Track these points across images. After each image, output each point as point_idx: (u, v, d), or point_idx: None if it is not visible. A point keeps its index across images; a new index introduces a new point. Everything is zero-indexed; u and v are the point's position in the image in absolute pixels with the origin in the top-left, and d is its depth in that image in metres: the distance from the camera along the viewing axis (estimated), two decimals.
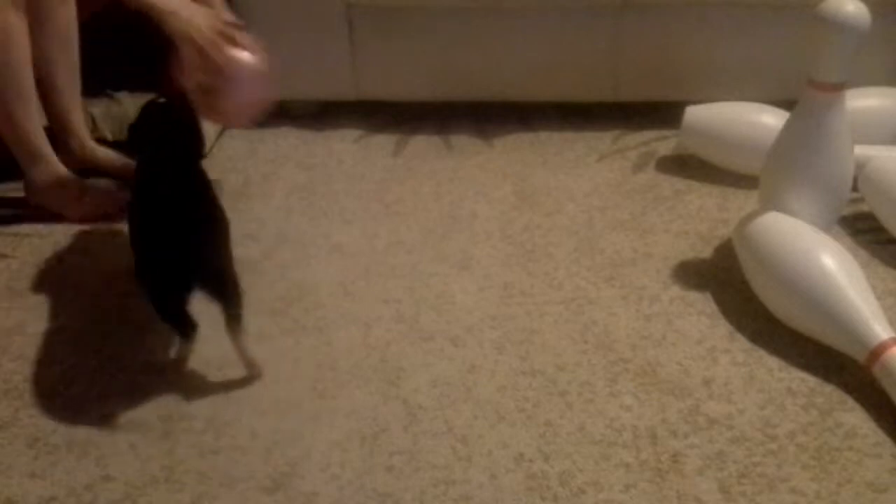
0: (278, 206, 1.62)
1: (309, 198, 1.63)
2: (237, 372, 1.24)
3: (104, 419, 1.17)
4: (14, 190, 1.63)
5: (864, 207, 1.50)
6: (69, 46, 1.57)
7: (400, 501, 1.04)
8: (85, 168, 1.66)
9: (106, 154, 1.70)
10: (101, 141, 1.76)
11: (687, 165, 1.69)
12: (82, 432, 1.15)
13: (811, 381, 1.19)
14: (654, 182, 1.66)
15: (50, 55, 1.54)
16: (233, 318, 1.18)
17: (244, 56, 1.31)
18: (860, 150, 1.40)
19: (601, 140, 1.79)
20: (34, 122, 1.52)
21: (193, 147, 1.35)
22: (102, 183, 1.64)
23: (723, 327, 1.29)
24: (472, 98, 1.84)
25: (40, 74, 1.55)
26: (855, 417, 1.13)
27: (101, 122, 1.78)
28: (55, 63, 1.56)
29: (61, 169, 1.58)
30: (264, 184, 1.69)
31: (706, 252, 1.46)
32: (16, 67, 1.44)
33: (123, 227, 1.43)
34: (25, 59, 1.44)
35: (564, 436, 1.12)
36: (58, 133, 1.64)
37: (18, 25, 1.42)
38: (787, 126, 1.34)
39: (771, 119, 1.55)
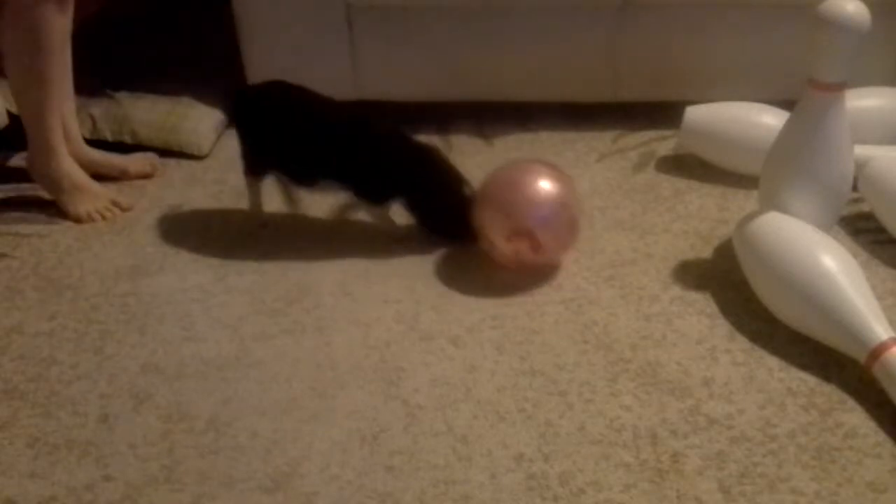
0: (278, 206, 1.62)
1: (309, 198, 1.63)
2: (237, 372, 1.24)
3: (104, 419, 1.17)
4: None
5: (864, 207, 1.50)
6: (62, 45, 1.55)
7: (400, 501, 1.04)
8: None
9: (102, 157, 1.70)
10: (102, 141, 1.76)
11: (687, 165, 1.69)
12: (82, 432, 1.15)
13: (811, 381, 1.19)
14: (654, 182, 1.66)
15: (46, 53, 1.52)
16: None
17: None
18: (860, 150, 1.41)
19: (601, 140, 1.80)
20: (57, 116, 1.56)
21: None
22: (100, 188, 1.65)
23: (723, 327, 1.29)
24: (472, 98, 1.84)
25: (30, 75, 1.55)
26: (855, 417, 1.13)
27: (101, 122, 1.78)
28: (53, 61, 1.53)
29: (71, 167, 1.60)
30: (264, 184, 1.69)
31: (706, 252, 1.46)
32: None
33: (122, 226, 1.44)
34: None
35: (564, 436, 1.12)
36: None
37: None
38: (787, 126, 1.34)
39: (771, 119, 1.55)
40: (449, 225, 1.47)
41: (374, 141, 1.47)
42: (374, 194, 1.49)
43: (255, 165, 1.54)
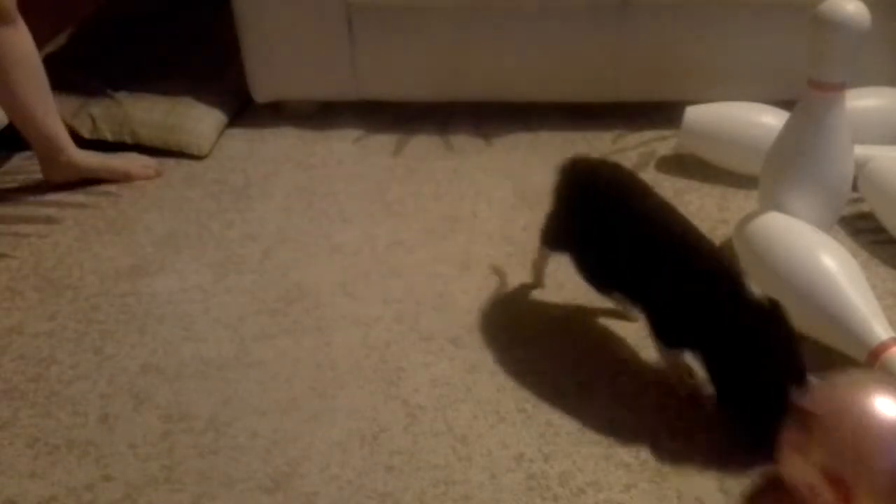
0: (278, 206, 1.62)
1: (309, 198, 1.63)
2: (237, 372, 1.24)
3: (104, 419, 1.17)
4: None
5: (864, 207, 1.50)
6: (33, 71, 1.55)
7: (400, 501, 1.04)
8: (79, 178, 1.67)
9: (99, 160, 1.70)
10: (101, 142, 1.76)
11: (687, 165, 1.69)
12: (82, 432, 1.15)
13: (811, 381, 1.19)
14: (654, 182, 1.64)
15: (17, 84, 1.53)
16: None
17: None
18: (860, 150, 1.41)
19: (601, 140, 1.79)
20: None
21: None
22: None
23: None
24: (472, 98, 1.84)
25: (12, 105, 1.56)
26: None
27: (101, 122, 1.78)
28: (24, 90, 1.55)
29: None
30: (264, 184, 1.69)
31: None
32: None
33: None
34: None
35: (564, 436, 1.12)
36: (45, 155, 1.64)
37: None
38: (787, 126, 1.34)
39: (771, 119, 1.55)
40: (759, 419, 1.04)
41: (694, 274, 1.12)
42: (667, 332, 1.17)
43: (555, 240, 1.32)
